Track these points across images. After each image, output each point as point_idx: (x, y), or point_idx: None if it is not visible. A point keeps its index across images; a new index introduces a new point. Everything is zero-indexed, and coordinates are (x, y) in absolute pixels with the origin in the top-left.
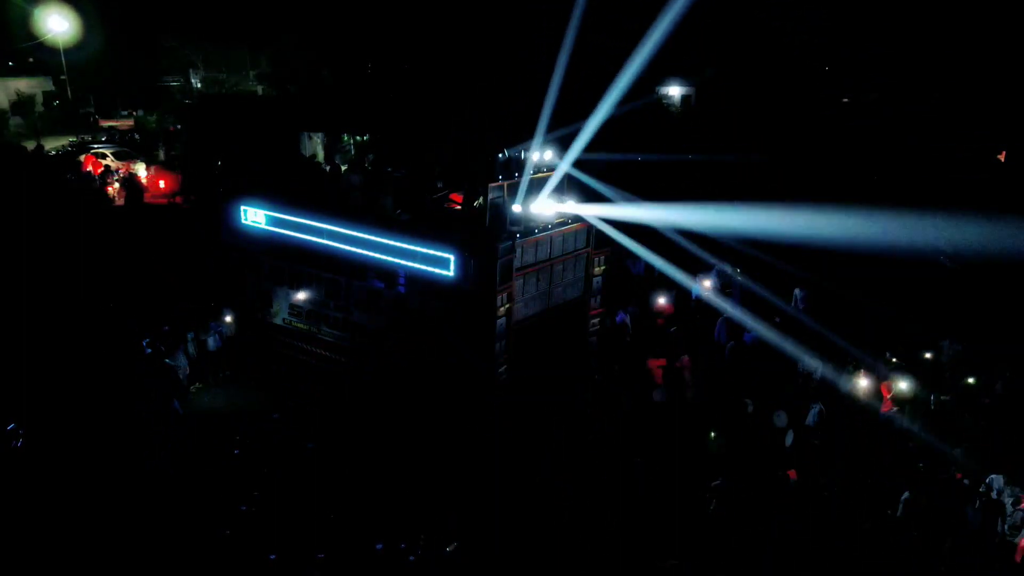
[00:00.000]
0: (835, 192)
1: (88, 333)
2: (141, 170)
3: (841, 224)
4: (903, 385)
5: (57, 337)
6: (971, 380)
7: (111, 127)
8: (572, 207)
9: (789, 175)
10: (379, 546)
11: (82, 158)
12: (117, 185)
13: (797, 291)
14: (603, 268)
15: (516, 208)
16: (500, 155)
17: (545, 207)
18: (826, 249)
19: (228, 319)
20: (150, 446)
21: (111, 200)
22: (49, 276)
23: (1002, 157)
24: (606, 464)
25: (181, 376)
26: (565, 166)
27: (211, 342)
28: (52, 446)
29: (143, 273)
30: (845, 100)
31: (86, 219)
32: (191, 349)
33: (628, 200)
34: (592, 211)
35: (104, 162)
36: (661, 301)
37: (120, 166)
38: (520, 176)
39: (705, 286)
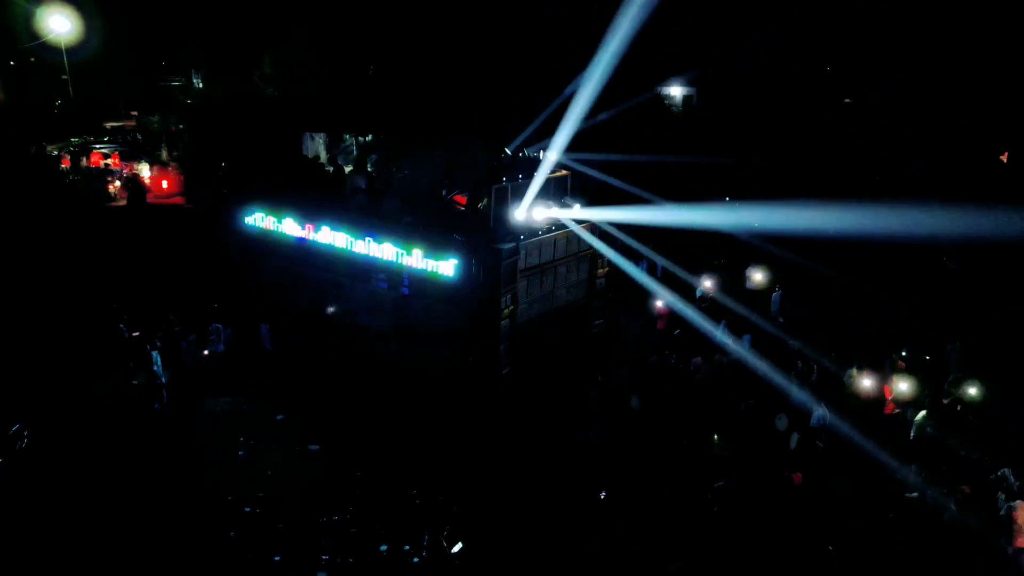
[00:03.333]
0: (837, 193)
1: (90, 333)
2: (144, 170)
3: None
4: (903, 386)
5: (59, 337)
6: (973, 389)
7: (113, 127)
8: (567, 213)
9: (790, 176)
10: (383, 548)
11: (62, 155)
12: (118, 183)
13: (775, 295)
14: (606, 270)
15: (519, 214)
16: (503, 156)
17: (543, 213)
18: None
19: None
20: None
21: (112, 197)
22: (52, 277)
23: (1004, 158)
24: (609, 466)
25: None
26: (567, 166)
27: (216, 344)
28: (56, 447)
29: (146, 274)
30: (847, 101)
31: (89, 219)
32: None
33: (624, 204)
34: (586, 215)
35: (104, 161)
36: (660, 304)
37: (124, 166)
38: (523, 177)
39: (707, 286)
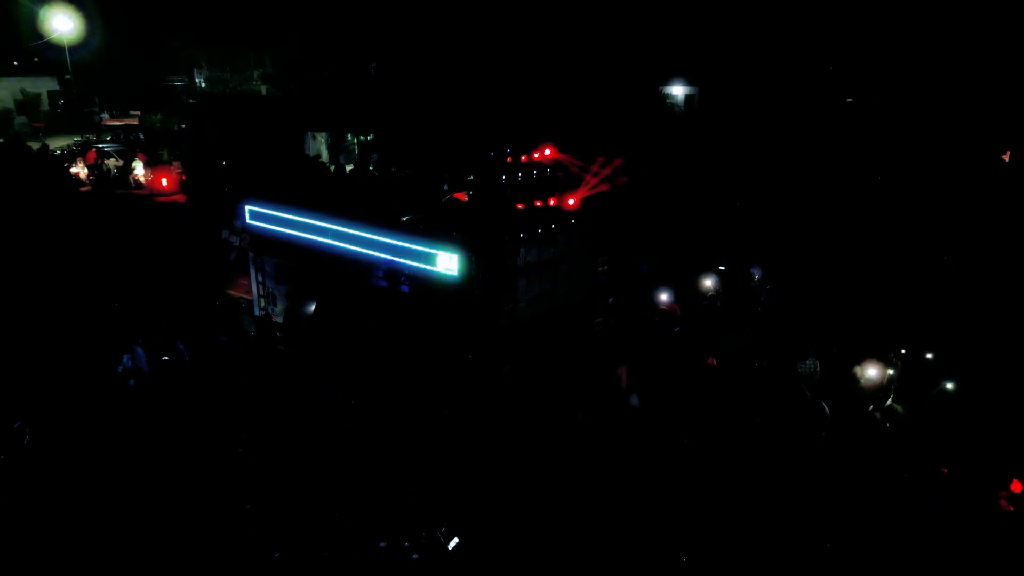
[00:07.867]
0: (839, 192)
1: (90, 332)
2: (139, 168)
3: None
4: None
5: (59, 336)
6: (949, 386)
7: (115, 127)
8: None
9: (793, 176)
10: (383, 544)
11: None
12: (84, 171)
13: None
14: (606, 268)
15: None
16: (504, 155)
17: None
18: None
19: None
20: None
21: (78, 180)
22: (50, 274)
23: (1006, 157)
24: (611, 463)
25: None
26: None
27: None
28: (57, 445)
29: (146, 273)
30: (849, 100)
31: (80, 214)
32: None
33: None
34: None
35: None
36: (663, 299)
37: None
38: (524, 175)
39: (706, 287)
